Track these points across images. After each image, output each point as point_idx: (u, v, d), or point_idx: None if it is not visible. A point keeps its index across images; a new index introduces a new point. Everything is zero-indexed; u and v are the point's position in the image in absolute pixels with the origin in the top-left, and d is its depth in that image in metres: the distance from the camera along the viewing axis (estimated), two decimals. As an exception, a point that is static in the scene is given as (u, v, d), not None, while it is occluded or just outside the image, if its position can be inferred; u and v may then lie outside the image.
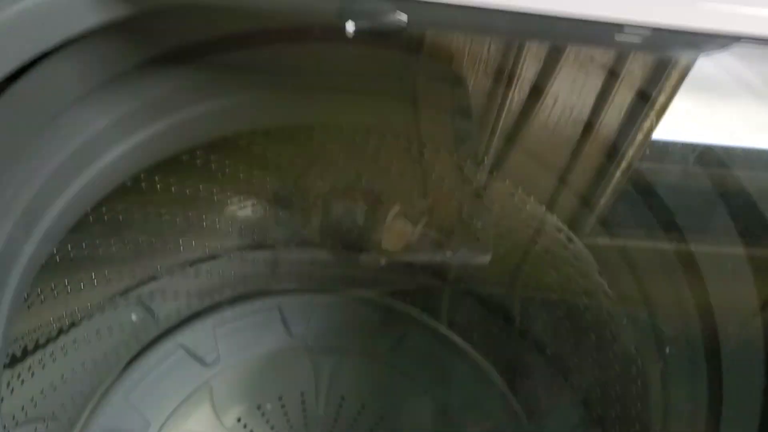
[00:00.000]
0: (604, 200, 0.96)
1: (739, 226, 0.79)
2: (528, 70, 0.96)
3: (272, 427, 1.17)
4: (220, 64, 0.72)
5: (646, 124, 0.92)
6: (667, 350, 0.83)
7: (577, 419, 1.08)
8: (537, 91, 0.96)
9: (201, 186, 1.01)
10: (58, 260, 0.85)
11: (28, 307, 0.81)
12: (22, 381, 0.84)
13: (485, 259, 1.15)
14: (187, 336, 1.26)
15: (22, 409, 0.85)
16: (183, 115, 0.75)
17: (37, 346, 0.87)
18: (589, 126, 0.95)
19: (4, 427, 0.78)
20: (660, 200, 0.89)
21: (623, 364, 0.96)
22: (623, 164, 0.93)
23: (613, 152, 0.94)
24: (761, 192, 0.80)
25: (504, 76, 0.97)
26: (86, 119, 0.66)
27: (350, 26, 0.57)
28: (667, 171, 0.95)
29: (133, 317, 1.13)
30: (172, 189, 0.97)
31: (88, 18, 0.51)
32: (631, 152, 0.93)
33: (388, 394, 1.26)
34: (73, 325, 0.97)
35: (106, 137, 0.68)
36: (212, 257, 1.18)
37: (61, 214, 0.69)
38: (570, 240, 1.00)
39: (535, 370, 1.19)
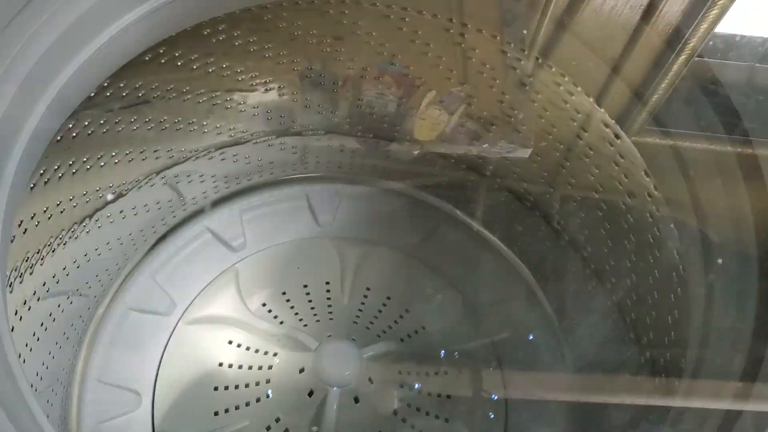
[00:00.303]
0: (659, 95, 0.88)
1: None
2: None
3: (296, 314, 1.16)
4: None
5: (713, 12, 0.82)
6: (719, 261, 0.78)
7: (609, 323, 1.05)
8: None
9: (225, 64, 0.95)
10: (74, 136, 0.81)
11: (45, 183, 0.78)
12: (42, 258, 0.83)
13: (525, 153, 1.10)
14: (214, 220, 1.25)
15: (44, 285, 0.84)
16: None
17: (57, 225, 0.86)
18: (648, 11, 0.86)
19: (24, 302, 0.77)
20: (725, 99, 0.81)
21: (663, 269, 0.91)
22: (684, 55, 0.85)
23: (674, 41, 0.85)
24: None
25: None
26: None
27: None
28: (735, 67, 0.86)
29: (157, 199, 1.10)
30: (194, 66, 0.92)
31: None
32: (693, 42, 0.84)
33: (414, 288, 1.24)
34: (95, 205, 0.95)
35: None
36: (238, 141, 1.14)
37: (70, 83, 0.64)
38: (617, 136, 0.93)
39: (570, 271, 1.16)
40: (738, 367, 0.72)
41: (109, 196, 0.88)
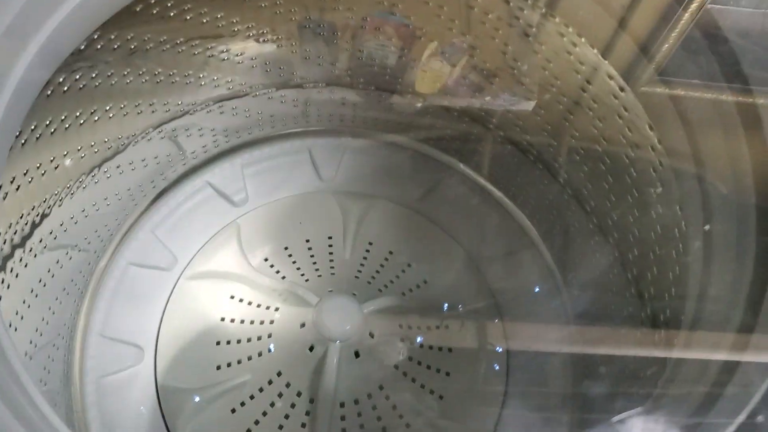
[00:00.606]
0: (665, 47, 0.85)
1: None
2: None
3: (298, 269, 1.16)
4: None
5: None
6: (706, 228, 0.77)
7: (611, 277, 1.04)
8: None
9: (219, 14, 0.93)
10: (65, 90, 0.80)
11: (37, 138, 0.77)
12: (38, 215, 0.82)
13: (528, 105, 1.07)
14: (215, 174, 1.25)
15: (41, 241, 0.83)
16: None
17: (52, 181, 0.85)
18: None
19: (21, 259, 0.77)
20: (734, 48, 0.78)
21: (665, 225, 0.90)
22: (692, 6, 0.81)
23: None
24: None
25: None
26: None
27: None
28: (738, 12, 0.82)
29: (156, 154, 1.09)
30: (187, 17, 0.89)
31: None
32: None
33: (416, 242, 1.24)
34: (91, 161, 0.94)
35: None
36: (237, 94, 1.12)
37: (57, 32, 0.62)
38: (621, 89, 0.90)
39: (573, 225, 1.14)
40: (737, 320, 0.71)
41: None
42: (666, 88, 0.83)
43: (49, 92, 0.76)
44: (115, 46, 0.85)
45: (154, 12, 0.83)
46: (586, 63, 0.93)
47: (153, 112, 1.01)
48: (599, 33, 0.88)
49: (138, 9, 0.80)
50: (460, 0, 0.97)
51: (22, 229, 0.79)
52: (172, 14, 0.86)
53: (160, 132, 1.06)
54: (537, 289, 1.21)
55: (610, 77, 0.91)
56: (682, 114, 0.81)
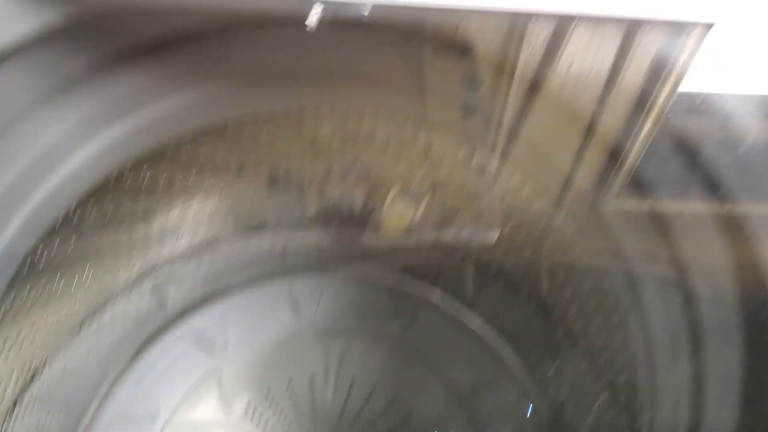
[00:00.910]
0: (617, 181, 0.90)
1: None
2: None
3: (280, 414, 1.16)
4: (185, 58, 0.69)
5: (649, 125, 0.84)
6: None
7: (601, 404, 1.05)
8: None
9: (191, 176, 0.99)
10: (44, 256, 0.84)
11: (17, 307, 0.80)
12: (16, 382, 0.84)
13: (491, 237, 1.12)
14: (196, 322, 1.26)
15: (21, 405, 0.85)
16: (151, 113, 0.72)
17: (29, 351, 0.87)
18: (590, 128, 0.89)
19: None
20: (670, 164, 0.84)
21: (645, 348, 0.92)
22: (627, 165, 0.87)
23: (616, 154, 0.88)
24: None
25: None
26: (45, 125, 0.64)
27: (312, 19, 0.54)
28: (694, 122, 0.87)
29: (137, 306, 1.12)
30: (160, 181, 0.95)
31: (21, 26, 0.49)
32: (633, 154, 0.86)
33: (399, 376, 1.24)
34: (71, 323, 0.97)
35: (68, 141, 0.66)
36: (213, 243, 1.17)
37: (42, 204, 0.68)
38: (582, 213, 0.95)
39: (558, 350, 1.16)
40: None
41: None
42: (633, 204, 0.87)
43: (28, 263, 0.80)
44: (93, 211, 0.90)
45: (128, 184, 0.89)
46: (540, 197, 0.99)
47: (131, 268, 1.06)
48: (548, 178, 0.94)
49: (112, 181, 0.86)
50: (416, 147, 1.04)
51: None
52: (146, 182, 0.92)
53: (140, 286, 1.10)
54: (522, 414, 1.21)
55: (565, 204, 0.96)
56: (650, 227, 0.85)
